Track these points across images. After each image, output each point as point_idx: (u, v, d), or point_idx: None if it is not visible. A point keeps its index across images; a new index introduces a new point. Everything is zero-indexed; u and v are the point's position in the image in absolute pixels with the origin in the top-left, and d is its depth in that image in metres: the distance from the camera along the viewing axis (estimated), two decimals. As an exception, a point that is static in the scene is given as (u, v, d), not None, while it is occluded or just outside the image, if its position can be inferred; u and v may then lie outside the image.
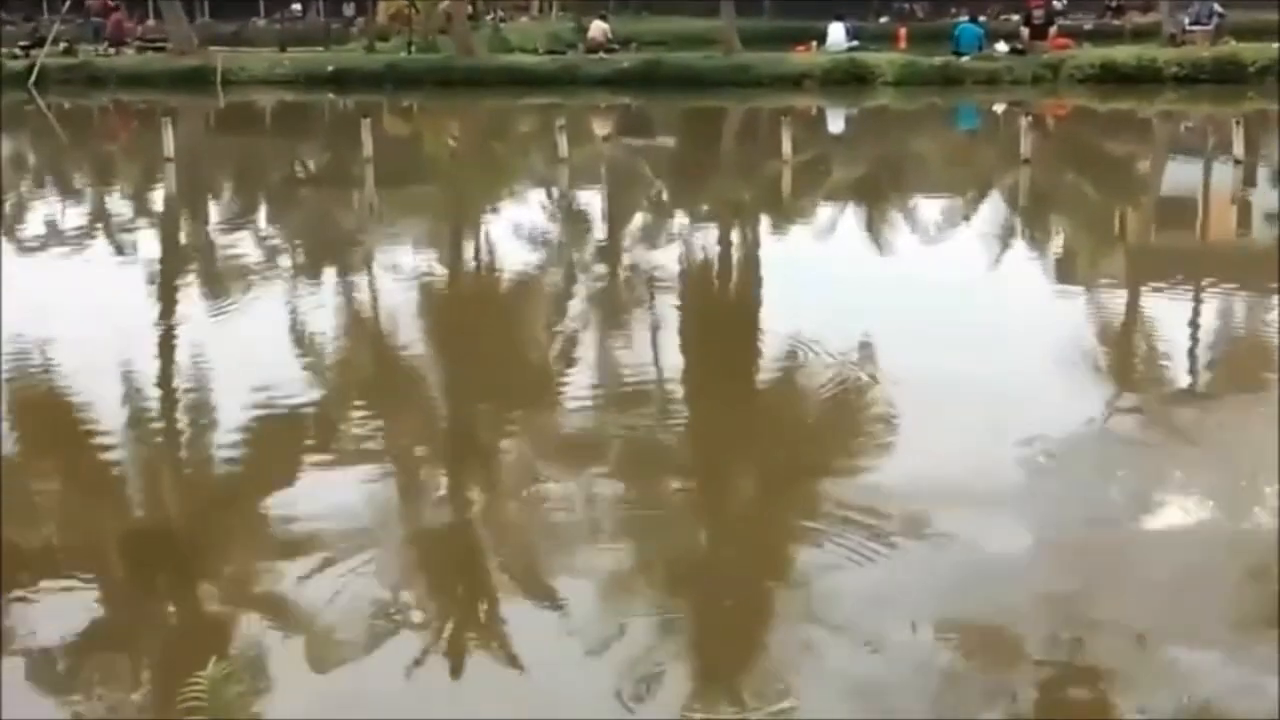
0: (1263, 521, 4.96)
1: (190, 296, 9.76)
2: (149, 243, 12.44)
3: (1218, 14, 24.51)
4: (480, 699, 3.99)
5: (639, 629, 4.25)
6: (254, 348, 7.87)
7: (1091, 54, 23.26)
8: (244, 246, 11.72)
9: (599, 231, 12.58)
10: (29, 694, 3.97)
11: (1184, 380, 7.22)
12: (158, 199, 15.26)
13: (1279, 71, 21.21)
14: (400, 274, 9.98)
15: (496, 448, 6.27)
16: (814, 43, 26.26)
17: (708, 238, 12.08)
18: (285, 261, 11.29)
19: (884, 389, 6.69)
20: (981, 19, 26.73)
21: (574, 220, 13.16)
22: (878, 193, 14.13)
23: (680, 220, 13.05)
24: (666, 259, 10.75)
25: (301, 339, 8.19)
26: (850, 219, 12.68)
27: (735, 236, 12.11)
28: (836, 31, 26.34)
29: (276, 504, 5.50)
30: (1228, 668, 3.94)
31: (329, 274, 10.39)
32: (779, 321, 8.19)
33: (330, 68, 27.40)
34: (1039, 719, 3.75)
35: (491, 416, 6.74)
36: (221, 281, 10.08)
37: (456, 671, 4.16)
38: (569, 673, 4.07)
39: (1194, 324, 8.28)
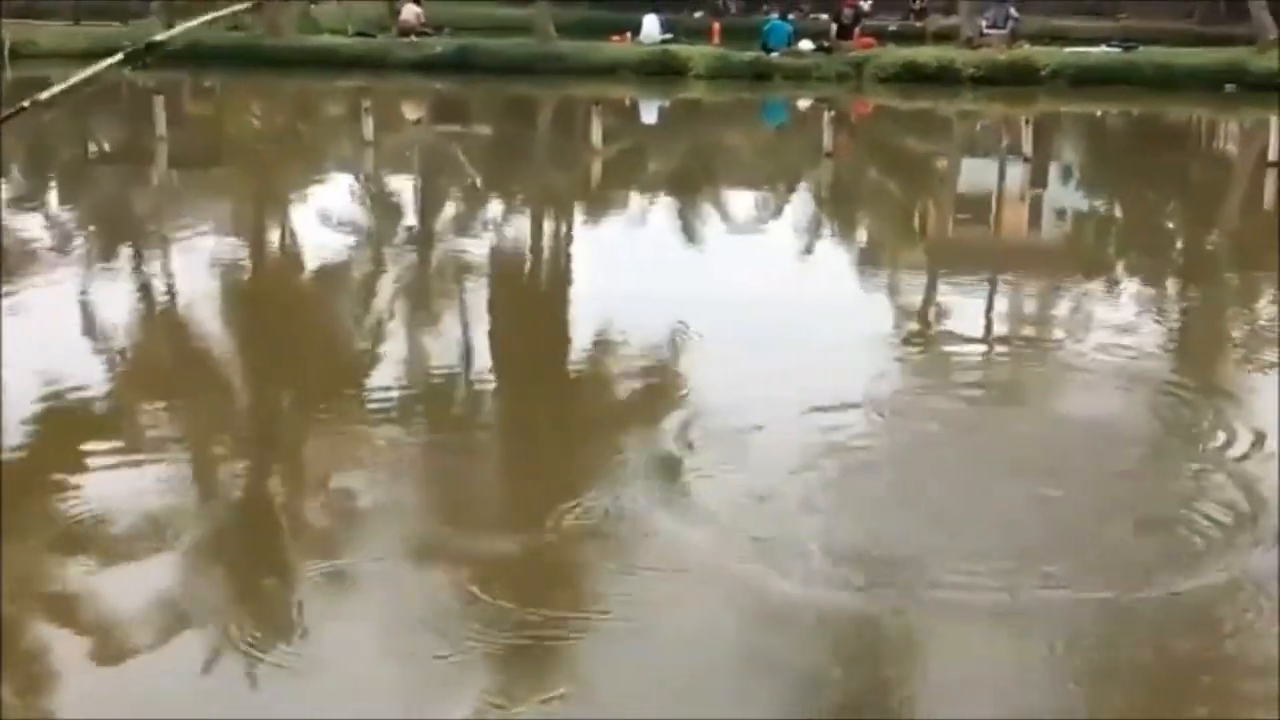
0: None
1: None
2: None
3: (1013, 19, 25.54)
4: (278, 693, 3.89)
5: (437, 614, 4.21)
6: (41, 335, 7.52)
7: (894, 54, 23.94)
8: (30, 228, 11.16)
9: (403, 218, 12.39)
10: None
11: (972, 355, 7.59)
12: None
13: (1069, 75, 22.25)
14: (193, 258, 9.63)
15: (297, 438, 6.12)
16: (629, 34, 26.38)
17: (518, 226, 12.02)
18: (70, 244, 10.79)
19: (686, 371, 6.91)
20: (791, 16, 27.27)
21: (378, 205, 12.92)
22: (688, 183, 14.30)
23: (491, 208, 12.95)
24: (475, 246, 10.66)
25: (89, 326, 7.84)
26: (660, 209, 12.79)
27: (546, 224, 12.08)
28: (651, 23, 26.49)
29: (63, 496, 5.25)
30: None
31: (119, 257, 9.97)
32: (588, 307, 8.22)
33: (127, 44, 26.26)
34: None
35: (293, 406, 6.58)
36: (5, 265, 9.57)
37: (253, 665, 4.04)
38: (369, 664, 3.99)
39: (987, 310, 8.68)
